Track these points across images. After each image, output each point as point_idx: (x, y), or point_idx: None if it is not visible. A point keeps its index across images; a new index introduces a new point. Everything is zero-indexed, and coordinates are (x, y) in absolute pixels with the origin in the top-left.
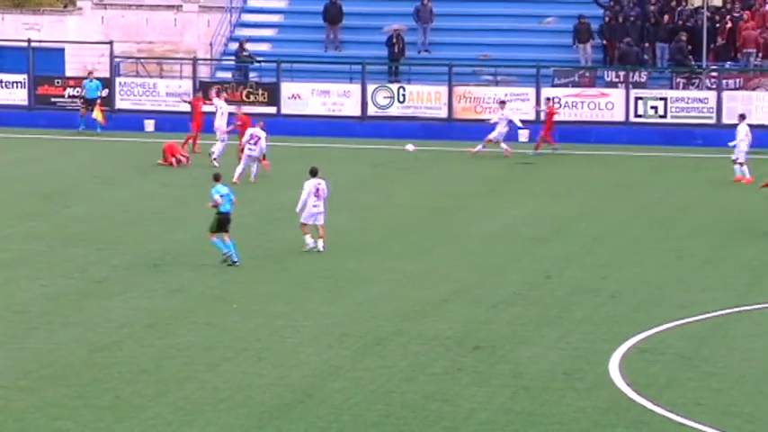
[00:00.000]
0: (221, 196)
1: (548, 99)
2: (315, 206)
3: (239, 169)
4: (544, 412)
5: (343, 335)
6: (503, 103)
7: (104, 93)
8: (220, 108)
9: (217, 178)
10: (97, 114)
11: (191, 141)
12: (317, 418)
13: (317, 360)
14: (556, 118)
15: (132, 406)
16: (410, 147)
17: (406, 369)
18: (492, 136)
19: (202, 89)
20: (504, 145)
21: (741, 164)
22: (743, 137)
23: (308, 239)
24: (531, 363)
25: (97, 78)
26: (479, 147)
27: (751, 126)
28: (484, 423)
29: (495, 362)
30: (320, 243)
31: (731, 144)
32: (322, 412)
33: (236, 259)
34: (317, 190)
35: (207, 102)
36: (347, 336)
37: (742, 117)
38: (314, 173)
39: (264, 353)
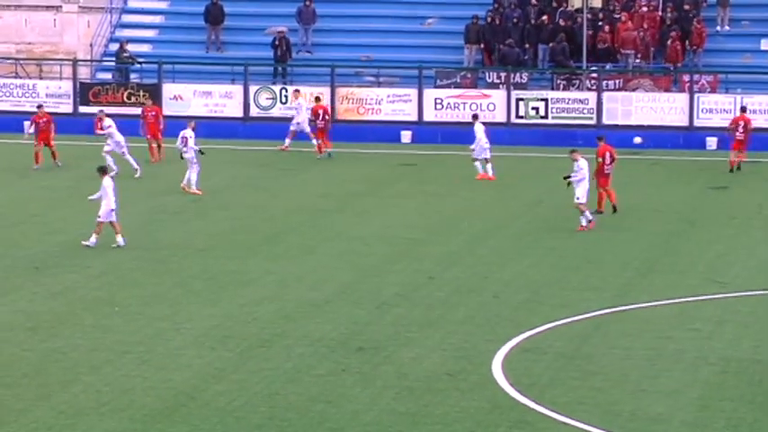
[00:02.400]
0: None
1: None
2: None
3: (194, 176)
4: (428, 413)
5: (226, 337)
6: (297, 91)
7: None
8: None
9: (103, 171)
10: None
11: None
12: (201, 421)
13: (200, 363)
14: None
15: (12, 410)
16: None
17: (290, 371)
18: (293, 127)
19: (153, 96)
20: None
21: (475, 160)
22: (481, 136)
23: (119, 239)
24: (414, 363)
25: None
26: (288, 142)
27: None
28: (368, 424)
29: (378, 363)
30: (119, 238)
31: (472, 147)
32: (205, 415)
33: None
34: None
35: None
36: (230, 338)
37: (475, 117)
38: (103, 171)
39: (147, 356)
